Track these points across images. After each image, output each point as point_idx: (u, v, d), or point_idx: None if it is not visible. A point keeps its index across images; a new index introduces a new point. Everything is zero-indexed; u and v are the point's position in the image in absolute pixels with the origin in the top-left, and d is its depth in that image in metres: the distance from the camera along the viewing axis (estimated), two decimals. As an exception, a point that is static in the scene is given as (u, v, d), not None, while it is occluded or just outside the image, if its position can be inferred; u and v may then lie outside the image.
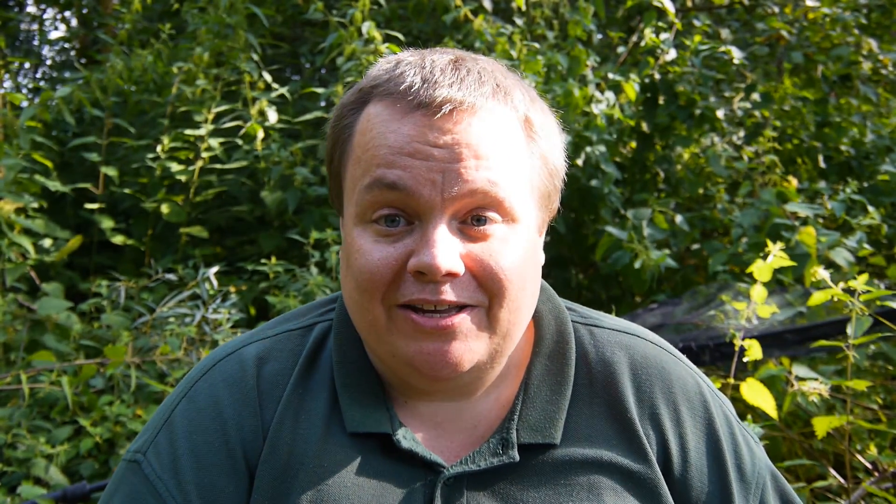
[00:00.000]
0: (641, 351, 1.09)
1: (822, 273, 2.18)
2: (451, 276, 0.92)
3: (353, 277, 0.95)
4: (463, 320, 0.94)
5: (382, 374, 1.05)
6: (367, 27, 4.20)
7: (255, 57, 4.75)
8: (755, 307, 2.30)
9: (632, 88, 4.23)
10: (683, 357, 1.14)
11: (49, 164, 3.98)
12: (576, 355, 1.08)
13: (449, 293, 0.92)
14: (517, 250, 0.96)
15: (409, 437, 1.00)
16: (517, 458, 0.99)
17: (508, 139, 0.96)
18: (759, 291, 2.30)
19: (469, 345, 0.95)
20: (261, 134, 4.26)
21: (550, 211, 1.06)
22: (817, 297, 2.20)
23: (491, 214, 0.94)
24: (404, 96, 0.94)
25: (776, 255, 2.31)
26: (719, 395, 1.13)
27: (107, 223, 4.15)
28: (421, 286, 0.92)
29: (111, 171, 4.24)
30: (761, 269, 2.28)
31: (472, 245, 0.94)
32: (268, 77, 4.61)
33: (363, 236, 0.95)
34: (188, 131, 4.32)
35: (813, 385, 2.20)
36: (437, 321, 0.93)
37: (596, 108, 4.17)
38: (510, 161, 0.95)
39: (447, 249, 0.91)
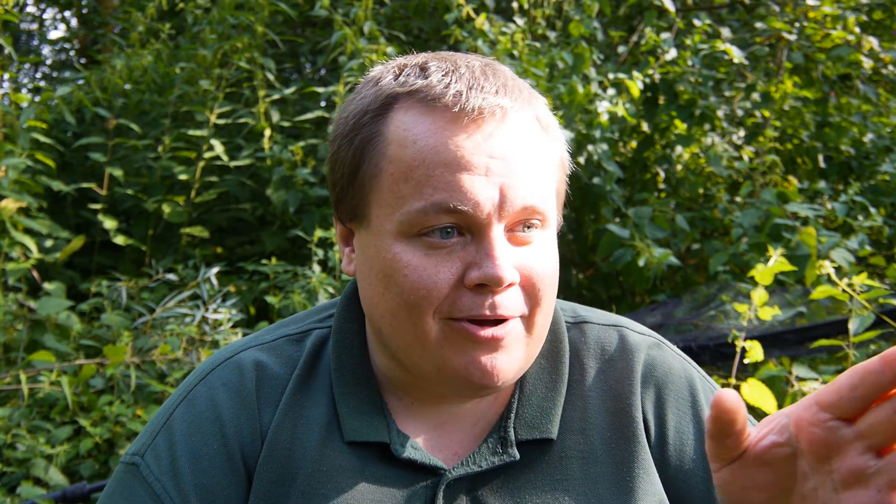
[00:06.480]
0: (631, 340, 1.11)
1: (828, 266, 2.18)
2: (509, 286, 0.93)
3: (401, 293, 0.92)
4: (512, 329, 0.95)
5: (389, 378, 1.05)
6: (369, 26, 4.20)
7: (267, 54, 4.76)
8: (756, 310, 2.30)
9: (635, 86, 4.23)
10: (672, 345, 1.16)
11: (52, 163, 3.99)
12: (569, 353, 1.09)
13: (505, 307, 0.93)
14: (551, 253, 0.99)
15: (408, 445, 1.00)
16: (517, 456, 1.00)
17: (540, 144, 0.97)
18: (759, 294, 2.30)
19: (514, 353, 0.96)
20: (267, 132, 4.27)
21: (560, 213, 1.08)
22: (820, 291, 2.20)
23: (534, 221, 0.96)
24: (452, 104, 0.91)
25: (777, 260, 2.31)
26: (710, 381, 1.14)
27: (110, 223, 4.16)
28: (480, 299, 0.92)
29: (116, 172, 4.24)
30: (762, 273, 2.28)
31: (518, 252, 0.95)
32: (271, 76, 4.62)
33: (409, 251, 0.92)
34: (190, 131, 4.33)
35: (813, 385, 2.21)
36: (494, 331, 0.93)
37: (599, 106, 4.17)
38: (544, 167, 0.97)
39: (508, 261, 0.92)
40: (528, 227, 0.95)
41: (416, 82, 0.94)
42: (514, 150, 0.93)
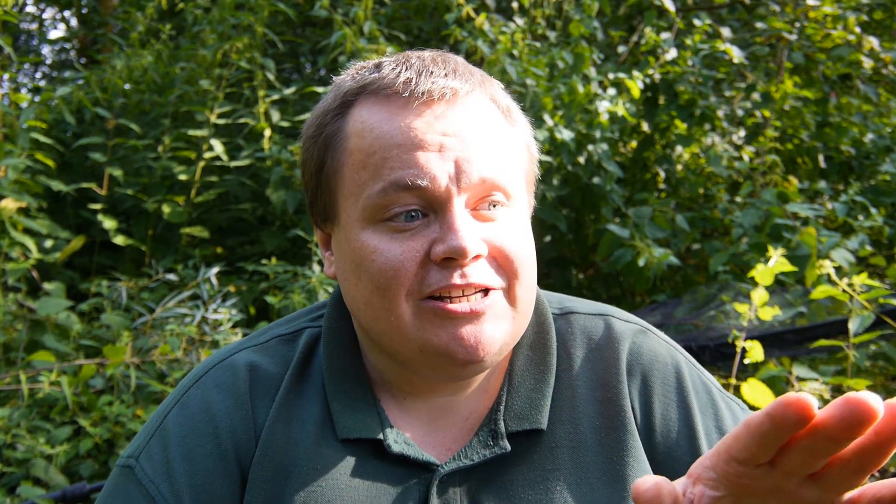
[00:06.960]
0: (617, 328, 1.11)
1: (828, 266, 2.18)
2: (476, 258, 0.94)
3: (371, 280, 0.94)
4: (492, 301, 0.95)
5: (380, 374, 1.06)
6: (369, 26, 4.20)
7: (267, 54, 4.76)
8: (756, 310, 2.30)
9: (635, 86, 4.23)
10: (659, 332, 1.16)
11: (52, 163, 3.99)
12: (556, 344, 1.10)
13: (475, 276, 0.93)
14: (522, 231, 0.99)
15: (401, 441, 1.01)
16: (508, 447, 1.01)
17: (499, 125, 0.99)
18: (759, 294, 2.30)
19: (498, 325, 0.96)
20: (267, 132, 4.27)
21: (532, 196, 1.09)
22: (820, 291, 2.20)
23: (498, 198, 0.96)
24: (403, 90, 0.94)
25: (777, 260, 2.31)
26: (698, 367, 1.14)
27: (109, 223, 4.16)
28: (448, 273, 0.92)
29: (116, 172, 4.24)
30: (763, 273, 2.28)
31: (485, 228, 0.95)
32: (271, 76, 4.62)
33: (376, 237, 0.94)
34: (191, 131, 4.33)
35: (813, 385, 2.20)
36: (470, 305, 0.93)
37: (599, 106, 4.17)
38: (505, 146, 0.99)
39: (471, 232, 0.92)
40: (493, 206, 0.96)
41: (370, 77, 0.98)
42: (467, 127, 0.95)
